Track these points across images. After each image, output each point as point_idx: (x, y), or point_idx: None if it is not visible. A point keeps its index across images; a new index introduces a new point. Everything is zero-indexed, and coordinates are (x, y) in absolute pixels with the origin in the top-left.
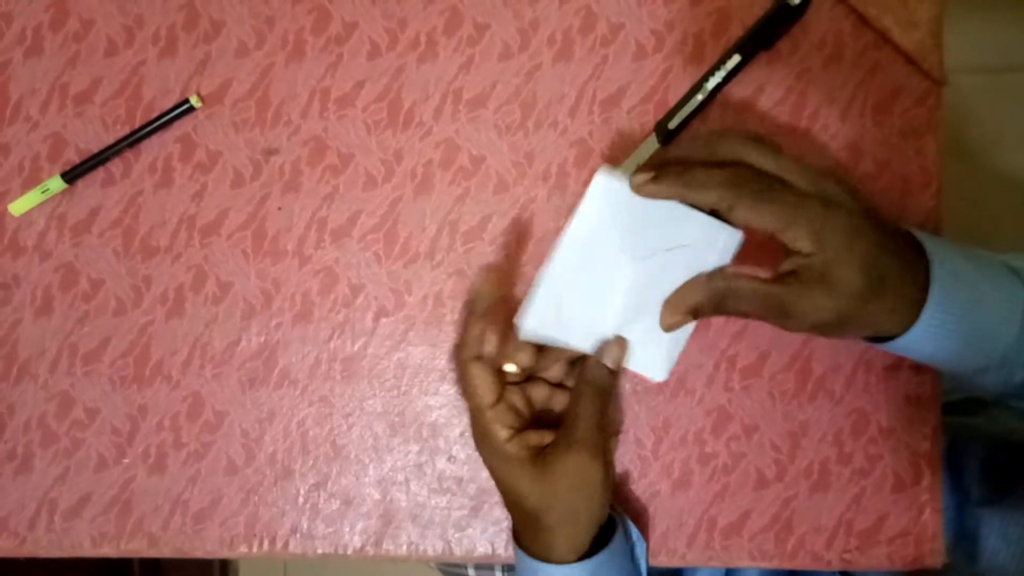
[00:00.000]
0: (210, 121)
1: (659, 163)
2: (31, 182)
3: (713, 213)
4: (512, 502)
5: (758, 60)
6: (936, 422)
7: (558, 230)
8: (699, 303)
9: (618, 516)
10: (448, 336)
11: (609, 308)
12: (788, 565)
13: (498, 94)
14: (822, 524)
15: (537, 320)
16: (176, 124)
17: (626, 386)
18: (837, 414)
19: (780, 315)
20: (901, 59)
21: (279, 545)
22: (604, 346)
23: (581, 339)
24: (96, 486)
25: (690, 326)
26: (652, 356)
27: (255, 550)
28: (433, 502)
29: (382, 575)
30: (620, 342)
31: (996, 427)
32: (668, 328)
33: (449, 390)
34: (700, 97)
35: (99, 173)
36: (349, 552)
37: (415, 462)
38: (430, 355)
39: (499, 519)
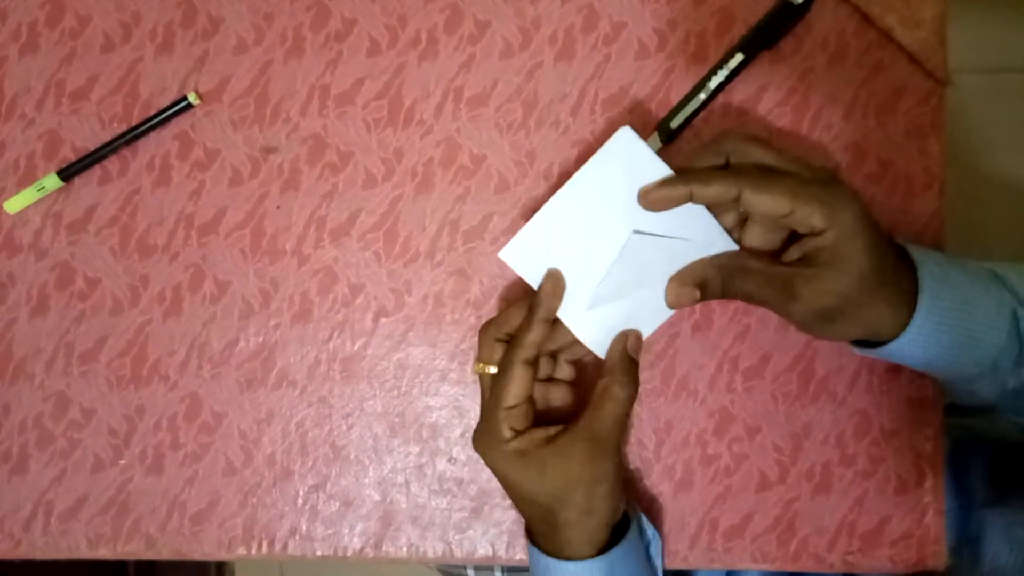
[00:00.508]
0: (208, 119)
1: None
2: (27, 180)
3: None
4: (526, 500)
5: (761, 59)
6: (939, 424)
7: None
8: (708, 277)
9: (632, 512)
10: (448, 336)
11: (590, 268)
12: (790, 567)
13: (499, 92)
14: (824, 526)
15: (520, 248)
16: (174, 121)
17: None
18: (840, 416)
19: (786, 297)
20: (904, 58)
21: (278, 547)
22: (621, 335)
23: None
24: (93, 487)
25: (648, 328)
26: (602, 339)
27: (253, 552)
28: (433, 504)
29: None
30: (636, 333)
31: (999, 429)
32: (673, 304)
33: (449, 391)
34: (703, 96)
35: (96, 171)
36: (349, 554)
37: (415, 463)
38: (430, 355)
39: (500, 521)
